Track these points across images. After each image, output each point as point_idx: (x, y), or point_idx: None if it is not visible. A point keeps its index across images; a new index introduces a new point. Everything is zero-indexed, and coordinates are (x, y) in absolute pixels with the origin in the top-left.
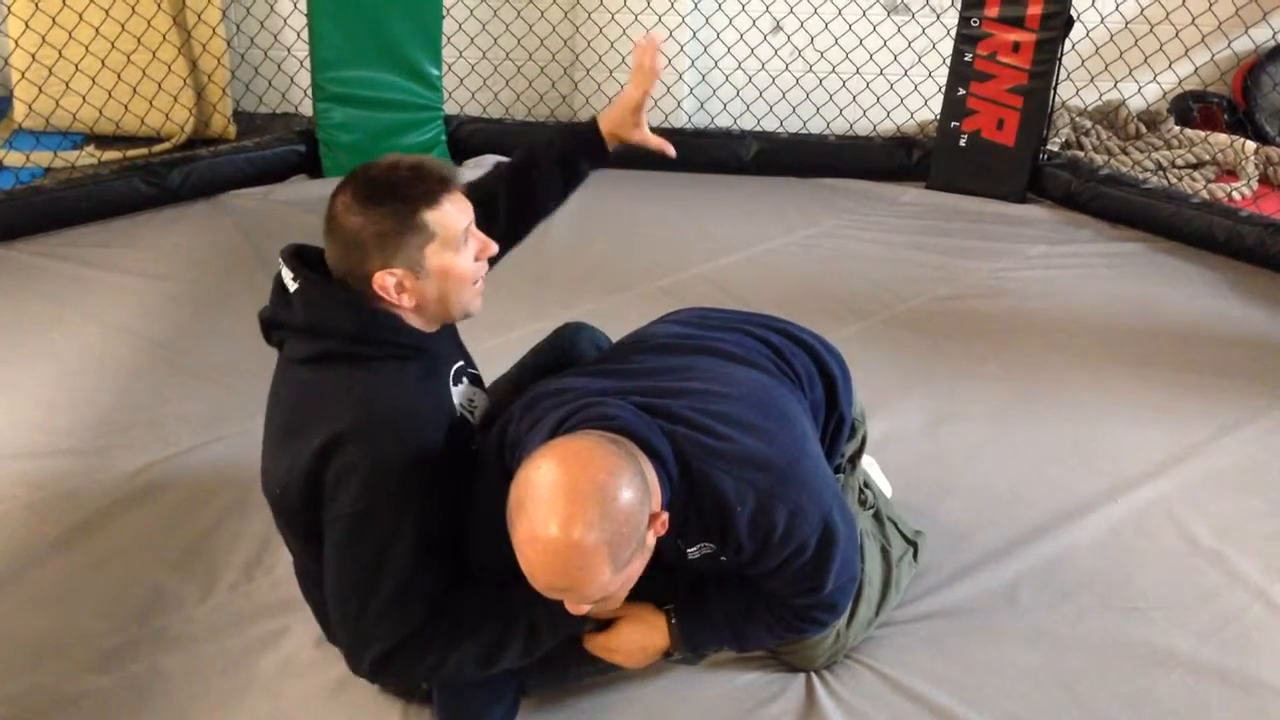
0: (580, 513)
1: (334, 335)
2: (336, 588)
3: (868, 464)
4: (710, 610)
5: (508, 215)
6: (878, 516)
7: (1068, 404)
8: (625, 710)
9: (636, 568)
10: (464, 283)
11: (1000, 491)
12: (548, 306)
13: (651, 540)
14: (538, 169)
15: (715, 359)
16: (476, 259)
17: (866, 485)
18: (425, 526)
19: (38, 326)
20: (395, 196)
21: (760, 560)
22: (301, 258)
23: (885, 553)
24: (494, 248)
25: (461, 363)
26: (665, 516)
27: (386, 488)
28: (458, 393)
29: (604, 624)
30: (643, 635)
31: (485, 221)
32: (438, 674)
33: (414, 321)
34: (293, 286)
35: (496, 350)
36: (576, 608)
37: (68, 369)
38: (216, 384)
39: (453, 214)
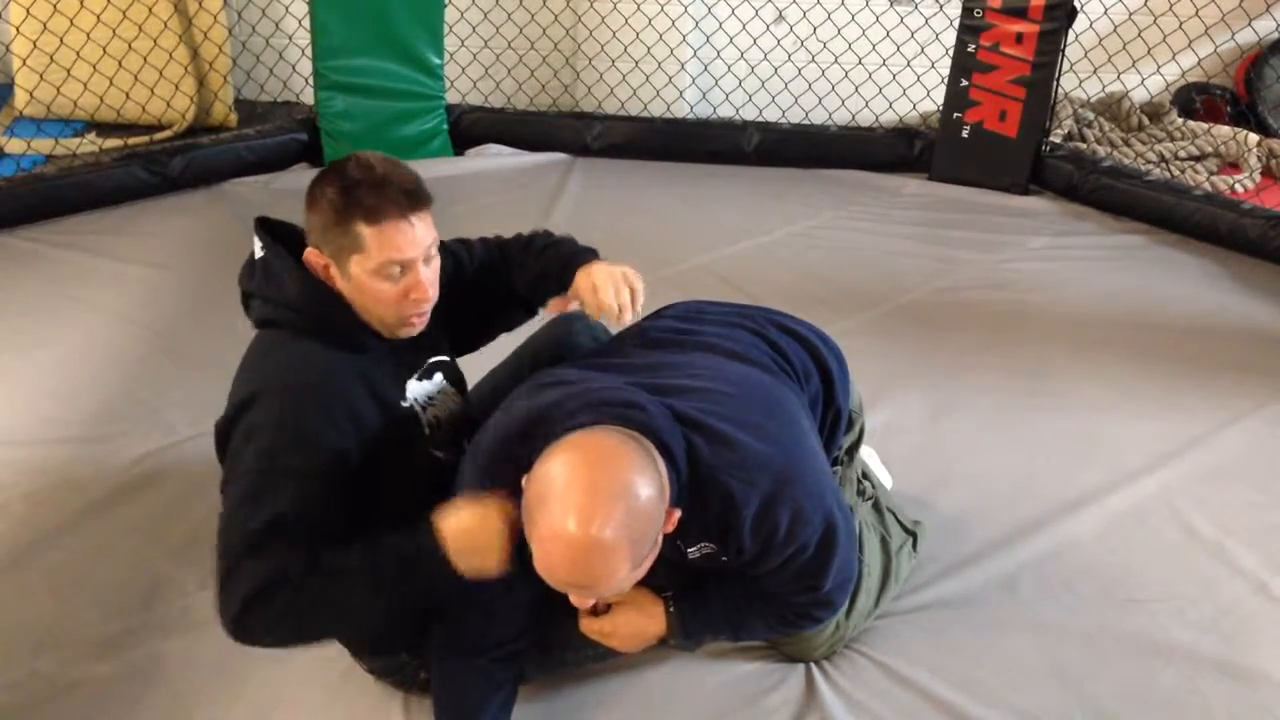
0: (605, 510)
1: (279, 302)
2: (218, 540)
3: (867, 455)
4: (708, 601)
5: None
6: (876, 507)
7: (1068, 395)
8: (625, 699)
9: (649, 564)
10: (380, 305)
11: (1000, 482)
12: None
13: (660, 539)
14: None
15: (716, 356)
16: (407, 295)
17: (865, 476)
18: (306, 501)
19: (38, 314)
20: (347, 195)
21: (761, 560)
22: (268, 227)
23: (884, 543)
24: (426, 295)
25: (439, 358)
26: (677, 514)
27: (283, 452)
28: (418, 387)
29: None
30: (640, 622)
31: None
32: (293, 628)
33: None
34: (259, 254)
35: (497, 339)
36: (582, 602)
37: (68, 357)
38: (216, 372)
39: (390, 238)
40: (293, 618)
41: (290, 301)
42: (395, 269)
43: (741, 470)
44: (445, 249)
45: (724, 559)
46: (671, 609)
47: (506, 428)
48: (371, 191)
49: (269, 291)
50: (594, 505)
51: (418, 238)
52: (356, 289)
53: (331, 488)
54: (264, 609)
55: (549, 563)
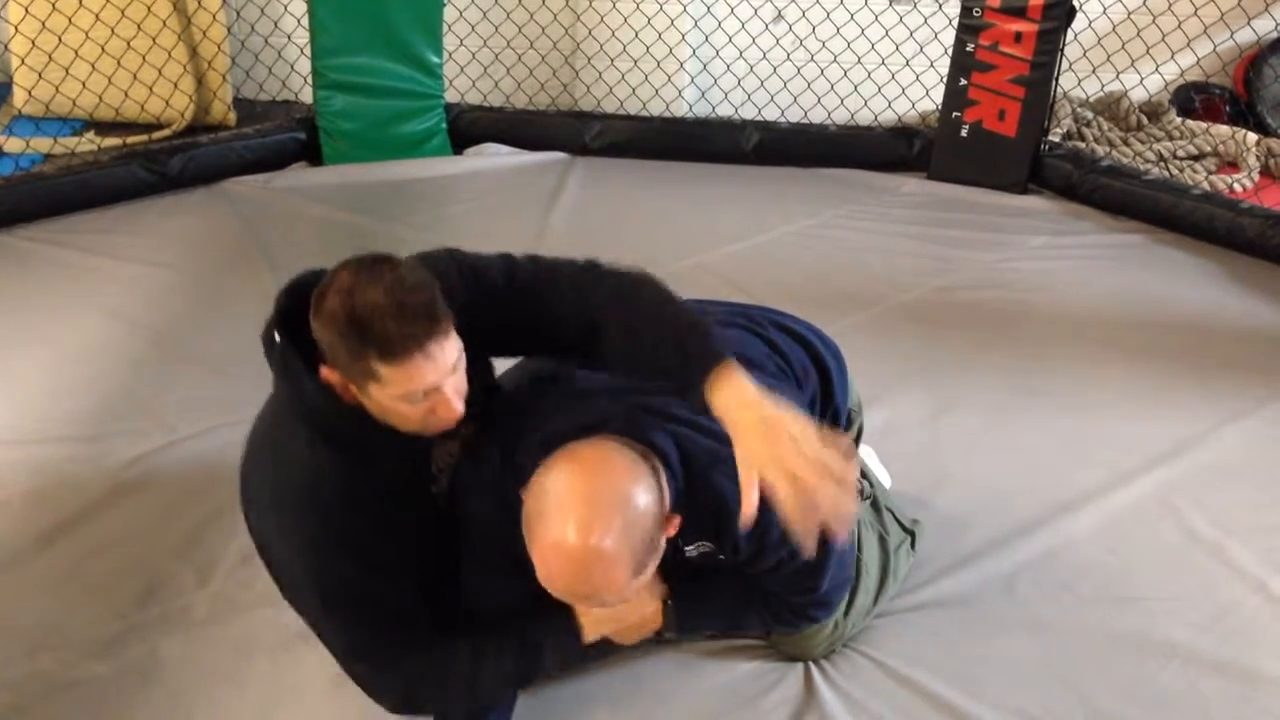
0: (604, 520)
1: (300, 399)
2: (330, 642)
3: (866, 454)
4: (705, 597)
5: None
6: (875, 506)
7: (1067, 395)
8: (625, 698)
9: (651, 570)
10: (404, 422)
11: (999, 482)
12: None
13: (663, 542)
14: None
15: None
16: (434, 412)
17: (864, 475)
18: (382, 602)
19: (36, 313)
20: (357, 328)
21: (757, 560)
22: (293, 300)
23: (883, 541)
24: (453, 413)
25: None
26: (677, 519)
27: (299, 565)
28: (442, 448)
29: None
30: (636, 614)
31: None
32: (465, 699)
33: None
34: (277, 339)
35: None
36: (586, 610)
37: (66, 356)
38: (215, 371)
39: (409, 373)
40: (446, 704)
41: (310, 409)
42: (419, 395)
43: (734, 470)
44: (470, 268)
45: (721, 556)
46: (669, 602)
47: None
48: (384, 324)
49: (288, 386)
50: (592, 516)
51: (440, 363)
52: (378, 407)
53: (397, 577)
54: (415, 703)
55: (549, 573)
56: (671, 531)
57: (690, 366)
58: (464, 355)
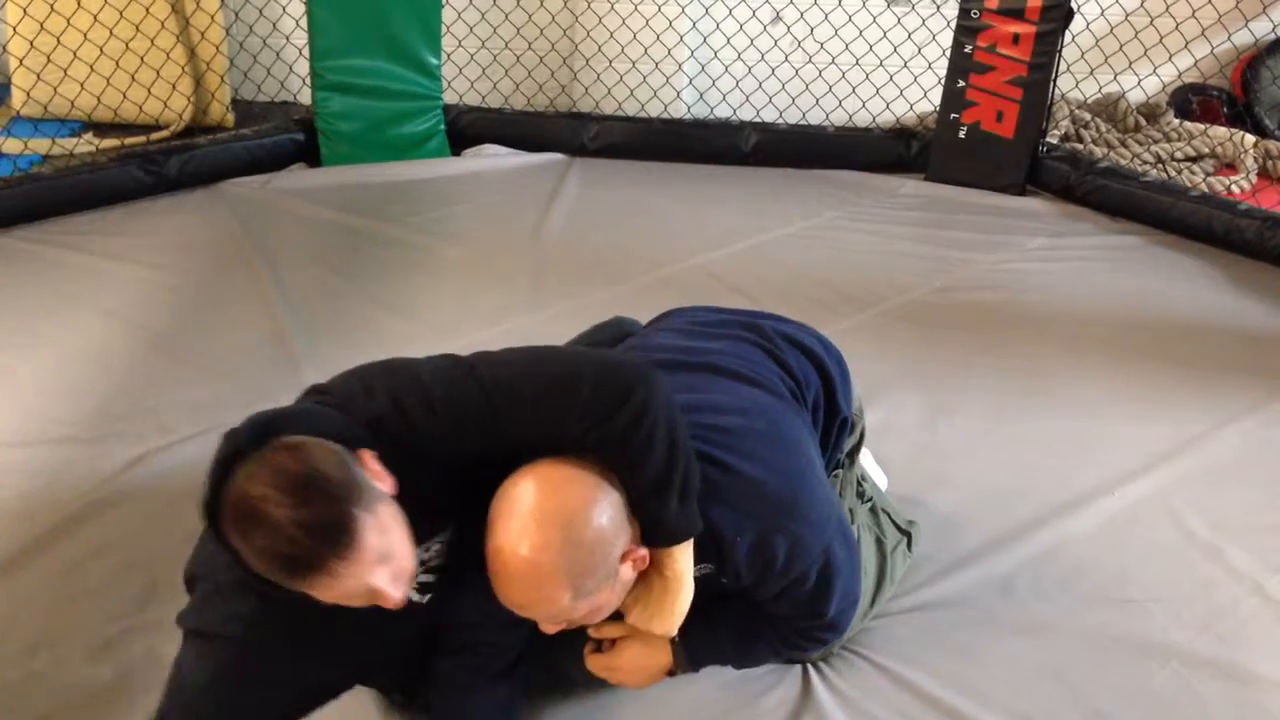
0: (543, 536)
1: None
2: None
3: (862, 455)
4: (714, 630)
5: None
6: (872, 507)
7: (1065, 396)
8: (622, 699)
9: (605, 598)
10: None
11: (996, 483)
12: (547, 297)
13: (627, 574)
14: None
15: (720, 378)
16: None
17: (863, 478)
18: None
19: (34, 314)
20: (255, 556)
21: (760, 587)
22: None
23: (880, 543)
24: (394, 602)
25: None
26: (644, 553)
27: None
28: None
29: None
30: (646, 655)
31: None
32: None
33: None
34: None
35: (495, 340)
36: (546, 627)
37: (64, 357)
38: (213, 372)
39: (322, 592)
40: None
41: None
42: (345, 600)
43: (735, 499)
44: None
45: (724, 580)
46: (676, 639)
47: None
48: (282, 554)
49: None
50: (534, 530)
51: (355, 577)
52: None
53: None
54: None
55: (494, 580)
56: (640, 565)
57: (663, 525)
58: (399, 532)
